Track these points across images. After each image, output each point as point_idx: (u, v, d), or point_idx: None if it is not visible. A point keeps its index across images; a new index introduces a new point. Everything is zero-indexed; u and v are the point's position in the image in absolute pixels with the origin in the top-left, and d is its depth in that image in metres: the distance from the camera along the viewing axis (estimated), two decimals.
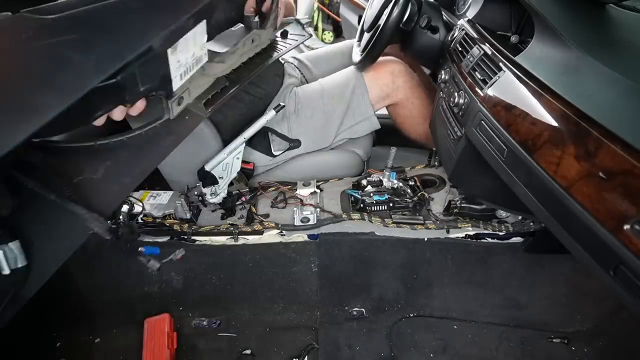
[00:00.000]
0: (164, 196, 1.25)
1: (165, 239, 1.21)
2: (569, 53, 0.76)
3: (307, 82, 1.55)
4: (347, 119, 1.37)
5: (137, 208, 1.20)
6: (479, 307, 1.25)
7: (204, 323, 1.27)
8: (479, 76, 0.93)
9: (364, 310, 1.27)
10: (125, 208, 1.19)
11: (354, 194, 1.25)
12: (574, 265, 1.19)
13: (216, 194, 1.22)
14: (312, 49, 3.50)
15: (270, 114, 1.23)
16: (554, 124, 0.69)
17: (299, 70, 1.56)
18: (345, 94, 1.36)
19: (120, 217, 1.18)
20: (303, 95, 1.38)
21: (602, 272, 0.64)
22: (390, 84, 1.38)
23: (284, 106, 1.24)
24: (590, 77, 0.71)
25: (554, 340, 1.20)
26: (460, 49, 1.07)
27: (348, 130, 1.39)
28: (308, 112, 1.35)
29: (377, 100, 1.39)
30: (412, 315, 1.26)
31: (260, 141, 1.32)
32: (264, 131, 1.30)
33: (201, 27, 0.66)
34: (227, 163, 1.20)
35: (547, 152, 0.69)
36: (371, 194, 1.23)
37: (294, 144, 1.34)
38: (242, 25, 0.94)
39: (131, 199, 1.21)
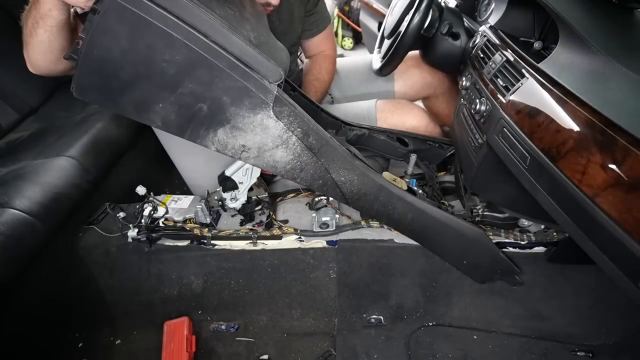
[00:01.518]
0: (185, 200, 1.27)
1: (185, 242, 1.23)
2: (595, 59, 0.75)
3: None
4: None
5: (159, 212, 1.22)
6: (499, 317, 1.23)
7: (223, 327, 1.28)
8: (502, 83, 0.92)
9: (382, 318, 1.26)
10: (147, 211, 1.21)
11: None
12: (599, 276, 1.16)
13: (236, 199, 1.23)
14: None
15: None
16: (579, 131, 0.67)
17: None
18: None
19: (142, 220, 1.20)
20: None
21: (629, 284, 0.63)
22: None
23: None
24: (617, 84, 0.70)
25: (578, 353, 1.17)
26: (482, 55, 1.07)
27: None
28: None
29: None
30: (431, 324, 1.25)
31: None
32: None
33: None
34: (247, 168, 1.21)
35: (571, 160, 0.68)
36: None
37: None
38: None
39: (155, 201, 1.23)
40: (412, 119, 1.36)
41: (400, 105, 1.39)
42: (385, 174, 1.17)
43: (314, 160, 1.02)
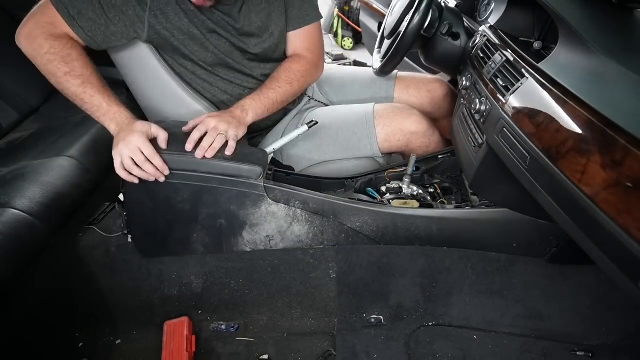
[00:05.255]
0: None
1: None
2: (595, 59, 0.75)
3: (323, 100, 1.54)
4: (350, 153, 1.36)
5: None
6: (499, 317, 1.23)
7: (223, 327, 1.28)
8: (501, 83, 0.92)
9: (382, 317, 1.26)
10: None
11: (373, 194, 1.25)
12: (599, 276, 1.16)
13: None
14: (332, 54, 3.50)
15: (302, 128, 1.21)
16: (579, 131, 0.67)
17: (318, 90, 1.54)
18: (354, 135, 1.34)
19: None
20: (322, 114, 1.36)
21: (629, 283, 0.63)
22: (433, 110, 1.44)
23: (316, 123, 1.23)
24: (617, 84, 0.70)
25: (577, 353, 1.17)
26: (482, 55, 1.07)
27: (352, 161, 1.38)
28: (314, 138, 1.33)
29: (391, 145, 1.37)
30: (431, 324, 1.25)
31: None
32: None
33: None
34: None
35: (571, 160, 0.68)
36: (390, 201, 1.22)
37: (287, 170, 1.30)
38: None
39: None
40: (411, 125, 1.33)
41: (399, 111, 1.35)
42: (394, 202, 1.18)
43: (325, 220, 1.15)
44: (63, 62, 1.04)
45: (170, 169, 1.05)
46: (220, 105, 1.28)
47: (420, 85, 1.46)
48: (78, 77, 1.05)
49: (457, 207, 1.15)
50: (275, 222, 1.15)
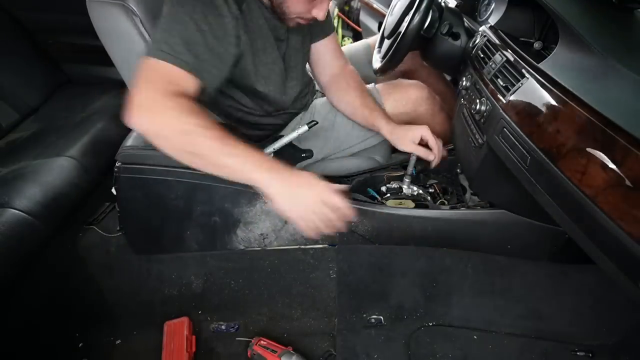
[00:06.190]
0: None
1: None
2: (595, 59, 0.75)
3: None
4: (361, 131, 1.35)
5: None
6: (499, 317, 1.23)
7: (222, 327, 1.28)
8: (502, 83, 0.92)
9: (382, 318, 1.26)
10: None
11: (374, 194, 1.24)
12: (599, 276, 1.16)
13: None
14: None
15: (302, 129, 1.21)
16: (579, 131, 0.67)
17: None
18: None
19: None
20: (320, 106, 1.37)
21: (629, 283, 0.63)
22: (412, 112, 1.36)
23: (316, 123, 1.23)
24: (617, 84, 0.70)
25: (578, 353, 1.17)
26: (482, 55, 1.06)
27: (363, 142, 1.36)
28: (320, 121, 1.33)
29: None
30: (431, 324, 1.25)
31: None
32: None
33: None
34: None
35: (571, 160, 0.68)
36: (385, 201, 1.22)
37: (307, 154, 1.28)
38: None
39: None
40: (413, 90, 1.37)
41: (399, 83, 1.41)
42: (389, 202, 1.18)
43: None
44: (193, 115, 0.83)
45: (164, 166, 1.05)
46: (221, 111, 1.27)
47: (402, 90, 1.44)
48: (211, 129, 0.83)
49: (452, 208, 1.15)
50: (270, 221, 1.15)
